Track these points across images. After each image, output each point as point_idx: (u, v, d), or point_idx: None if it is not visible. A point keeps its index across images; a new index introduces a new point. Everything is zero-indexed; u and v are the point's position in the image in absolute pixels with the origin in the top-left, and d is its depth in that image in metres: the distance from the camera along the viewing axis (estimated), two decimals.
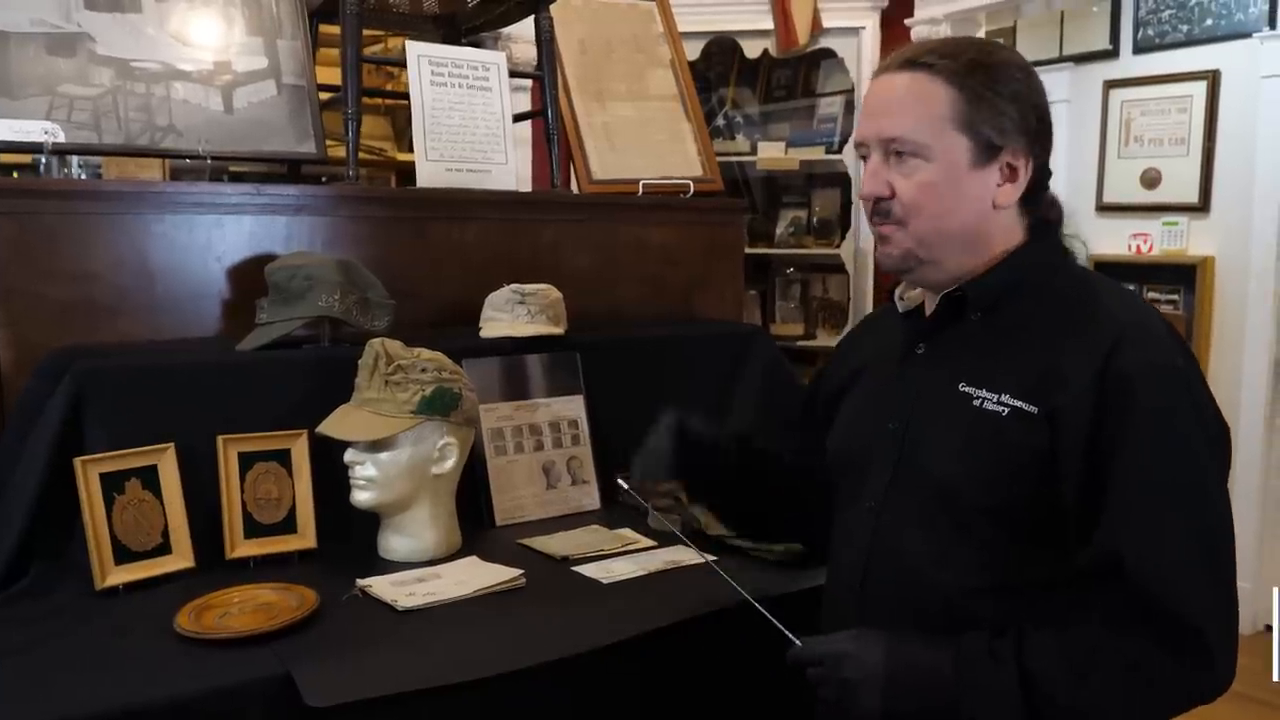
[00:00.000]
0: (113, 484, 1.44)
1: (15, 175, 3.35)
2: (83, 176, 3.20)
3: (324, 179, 3.44)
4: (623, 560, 1.55)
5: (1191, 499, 0.97)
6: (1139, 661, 0.94)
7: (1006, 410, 1.03)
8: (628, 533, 1.69)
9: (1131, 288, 3.64)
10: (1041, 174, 1.10)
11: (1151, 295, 3.64)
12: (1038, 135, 1.08)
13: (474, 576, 1.46)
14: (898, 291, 1.22)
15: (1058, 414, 1.00)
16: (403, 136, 3.79)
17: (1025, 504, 1.02)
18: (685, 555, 1.58)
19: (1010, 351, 1.06)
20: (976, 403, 1.05)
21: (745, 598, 1.17)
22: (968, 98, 1.05)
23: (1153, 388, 0.98)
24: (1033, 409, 1.01)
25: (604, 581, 1.46)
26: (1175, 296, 3.57)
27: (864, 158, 1.12)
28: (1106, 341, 1.00)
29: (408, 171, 3.39)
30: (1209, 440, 1.00)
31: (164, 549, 1.47)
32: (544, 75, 2.25)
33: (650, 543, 1.64)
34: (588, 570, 1.51)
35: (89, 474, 1.42)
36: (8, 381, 1.63)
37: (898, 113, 1.07)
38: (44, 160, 1.75)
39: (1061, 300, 1.07)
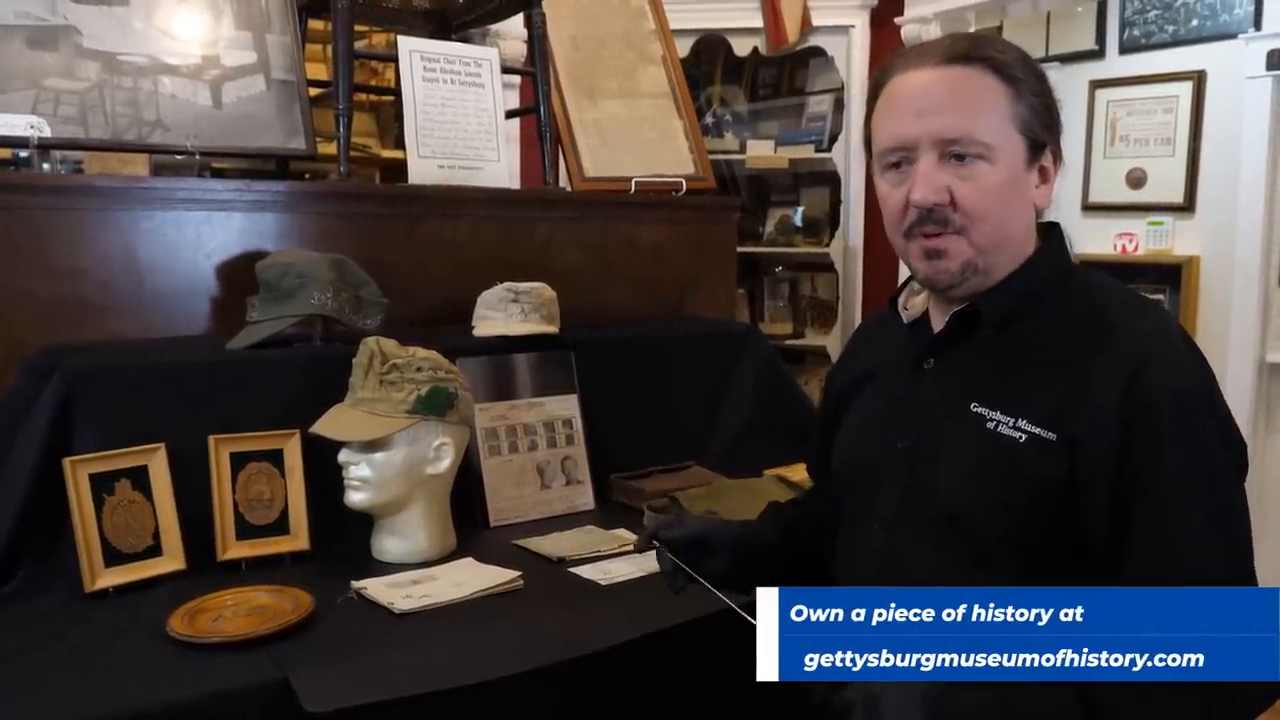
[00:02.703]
0: (102, 485, 1.42)
1: None
2: (61, 171, 3.15)
3: (306, 175, 3.41)
4: (620, 561, 1.54)
5: (1223, 527, 0.94)
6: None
7: (1023, 437, 0.97)
8: (623, 533, 1.68)
9: None
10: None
11: None
12: (1058, 134, 1.05)
13: (471, 578, 1.45)
14: (900, 300, 1.16)
15: (1079, 442, 0.95)
16: (387, 133, 3.76)
17: (1042, 531, 0.97)
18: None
19: (1026, 372, 1.01)
20: (990, 425, 1.00)
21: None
22: (1021, 94, 1.01)
23: (1180, 415, 0.93)
24: (1051, 436, 0.96)
25: (602, 583, 1.46)
26: (1161, 296, 3.59)
27: (895, 164, 1.04)
28: (1129, 364, 0.95)
29: (392, 168, 3.37)
30: (1235, 464, 0.97)
31: (155, 551, 1.45)
32: (536, 72, 2.23)
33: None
34: (585, 572, 1.50)
35: (78, 475, 1.39)
36: None
37: (960, 110, 1.00)
38: (29, 155, 1.72)
39: (1076, 314, 1.02)
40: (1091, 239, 3.84)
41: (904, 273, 1.18)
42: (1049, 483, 0.95)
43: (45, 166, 1.82)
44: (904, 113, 1.03)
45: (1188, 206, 3.51)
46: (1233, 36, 3.35)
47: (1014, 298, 1.04)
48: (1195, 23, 3.48)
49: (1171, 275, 3.54)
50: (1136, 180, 3.68)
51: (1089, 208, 3.83)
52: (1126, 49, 3.70)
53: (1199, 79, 3.46)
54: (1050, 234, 1.09)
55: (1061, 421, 0.96)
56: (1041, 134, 1.02)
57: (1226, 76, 3.38)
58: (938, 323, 1.11)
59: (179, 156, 1.87)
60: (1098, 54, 3.79)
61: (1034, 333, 1.03)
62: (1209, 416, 0.96)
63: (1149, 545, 0.92)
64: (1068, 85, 3.88)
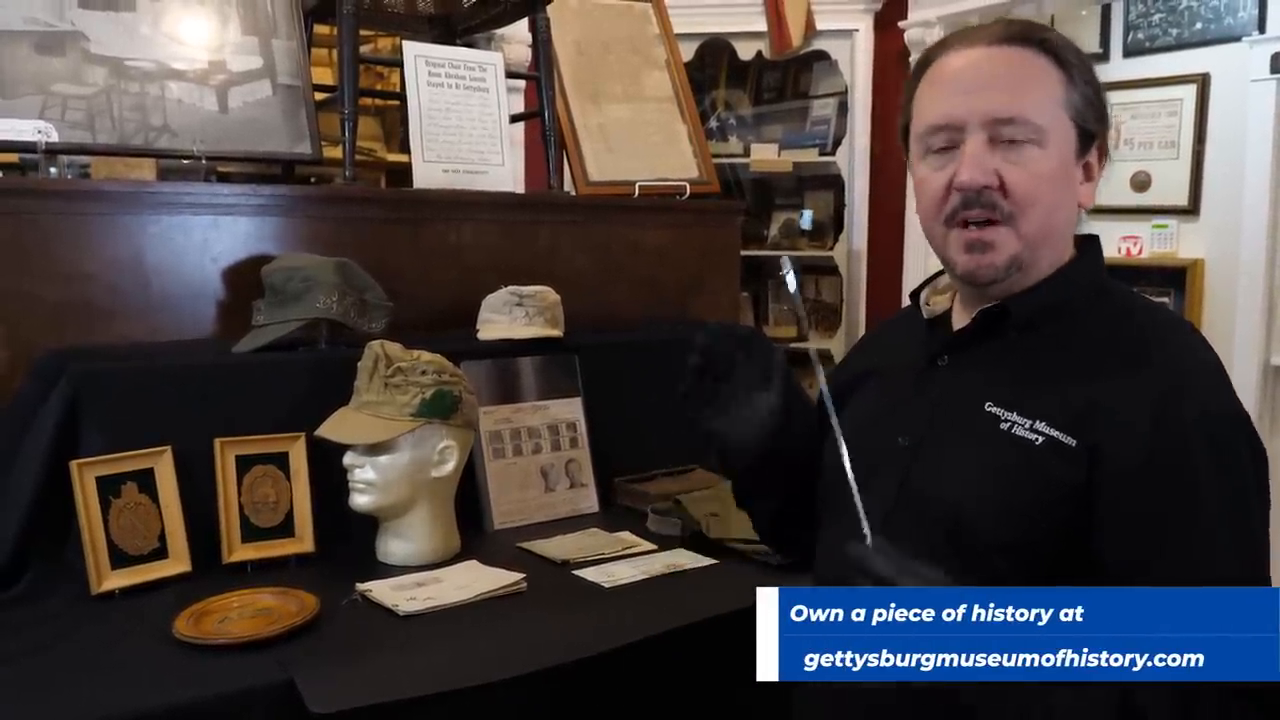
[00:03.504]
0: (109, 487, 1.42)
1: (1, 174, 3.32)
2: (69, 176, 3.17)
3: (312, 179, 3.42)
4: (623, 564, 1.54)
5: (1247, 553, 0.91)
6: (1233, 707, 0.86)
7: (1040, 439, 0.93)
8: (627, 536, 1.69)
9: None
10: None
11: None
12: (1107, 127, 1.00)
13: (475, 581, 1.45)
14: (924, 295, 1.12)
15: (1101, 450, 0.90)
16: (392, 137, 3.77)
17: (1046, 541, 0.92)
18: (686, 559, 1.58)
19: (1049, 376, 0.96)
20: (1005, 426, 0.95)
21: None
22: (1074, 81, 0.96)
23: (1216, 443, 0.89)
24: (1071, 441, 0.91)
25: (605, 586, 1.46)
26: (1165, 299, 3.59)
27: (940, 148, 0.97)
28: (1162, 383, 0.91)
29: (398, 172, 3.38)
30: (1260, 489, 0.93)
31: (160, 553, 1.46)
32: (540, 76, 2.24)
33: (650, 546, 1.64)
34: (588, 574, 1.51)
35: (85, 477, 1.40)
36: (2, 383, 1.61)
37: (1015, 89, 0.94)
38: (39, 159, 1.73)
39: (1108, 326, 0.98)
40: None
41: (909, 278, 1.16)
42: (1063, 489, 0.91)
43: (53, 171, 1.84)
44: (953, 90, 0.97)
45: (1192, 209, 3.51)
46: (1237, 39, 3.35)
47: (1046, 301, 0.99)
48: (1199, 26, 3.48)
49: (1176, 278, 3.53)
50: (1141, 183, 3.68)
51: (1093, 211, 3.79)
52: (1130, 52, 3.70)
53: (1203, 82, 3.46)
54: (1088, 244, 1.04)
55: (1083, 428, 0.91)
56: (1093, 124, 0.98)
57: (1231, 79, 3.38)
58: (960, 321, 1.07)
59: (185, 161, 1.88)
60: (1102, 57, 3.79)
61: (1061, 339, 0.98)
62: (1245, 444, 0.92)
63: (1173, 568, 0.88)
64: None
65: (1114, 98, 3.88)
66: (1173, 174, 3.56)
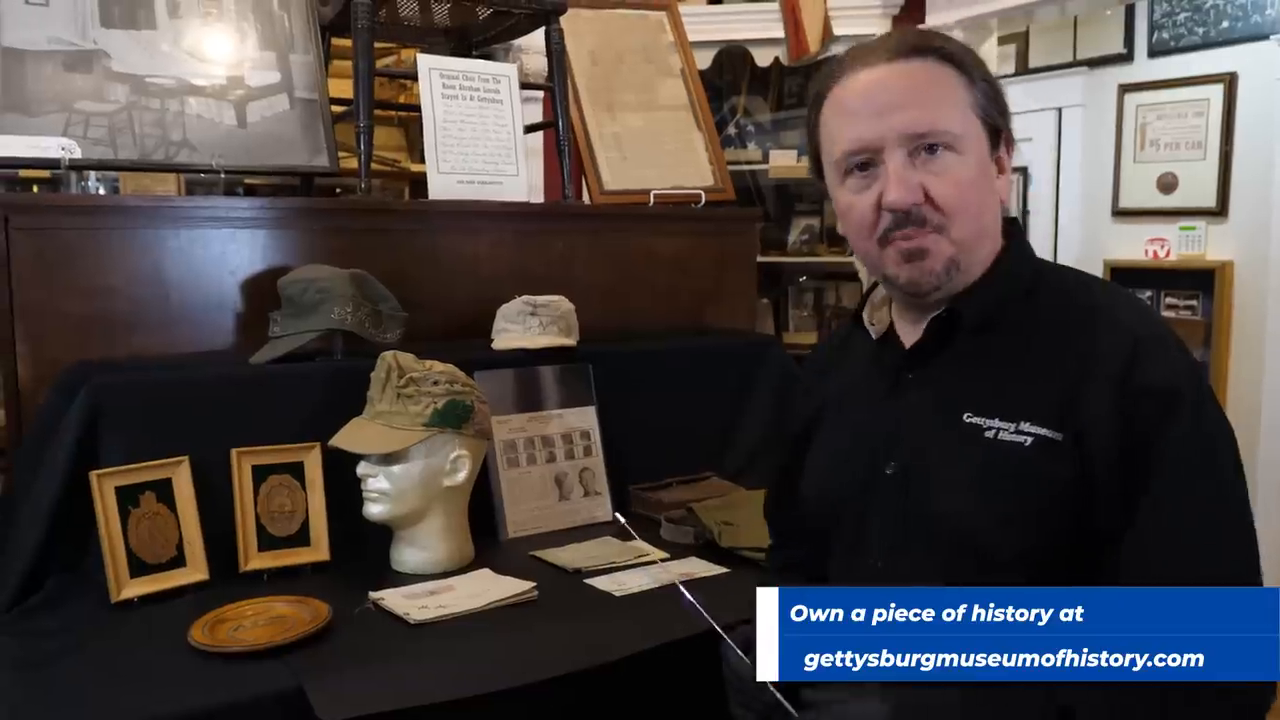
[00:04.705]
0: (128, 497, 1.45)
1: (35, 189, 3.40)
2: (101, 191, 3.25)
3: (338, 190, 3.47)
4: (635, 573, 1.54)
5: (1229, 514, 0.91)
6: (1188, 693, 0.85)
7: (1029, 440, 0.93)
8: (640, 544, 1.69)
9: (1149, 294, 3.63)
10: None
11: (1169, 301, 3.61)
12: (1009, 120, 1.02)
13: (487, 589, 1.46)
14: (865, 314, 1.11)
15: (1083, 435, 0.91)
16: (415, 147, 3.81)
17: (1057, 542, 0.92)
18: (698, 568, 1.57)
19: (1015, 373, 0.96)
20: (989, 434, 0.95)
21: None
22: (976, 83, 0.99)
23: (1181, 400, 0.90)
24: (1058, 435, 0.92)
25: (616, 594, 1.46)
26: (1194, 302, 3.54)
27: (860, 166, 0.98)
28: (1120, 354, 0.91)
29: (422, 182, 3.42)
30: (1228, 435, 0.93)
31: (178, 561, 1.48)
32: (554, 87, 2.26)
33: (663, 555, 1.63)
34: (600, 583, 1.51)
35: (104, 487, 1.43)
36: (27, 396, 1.65)
37: (925, 103, 0.96)
38: (68, 175, 1.77)
39: (1056, 310, 0.99)
40: (1122, 245, 3.79)
41: None
42: (1062, 485, 0.91)
43: (85, 185, 1.87)
44: (863, 112, 0.98)
45: (1220, 211, 3.46)
46: (1264, 38, 3.30)
47: (992, 298, 1.00)
48: (1225, 24, 3.44)
49: (1204, 281, 3.49)
50: (1167, 185, 3.63)
51: (1119, 213, 3.79)
52: (1156, 52, 3.66)
53: (1230, 81, 3.41)
54: (1013, 230, 1.05)
55: (1063, 419, 0.92)
56: (998, 120, 1.00)
57: (1258, 78, 3.34)
58: (907, 333, 1.06)
59: (204, 175, 1.92)
60: (1126, 58, 3.75)
61: (1015, 333, 0.98)
62: (1209, 400, 0.93)
63: (1155, 534, 0.89)
64: (1096, 90, 3.85)
65: (1139, 98, 3.85)
66: (1200, 175, 3.52)
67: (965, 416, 0.97)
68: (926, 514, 0.98)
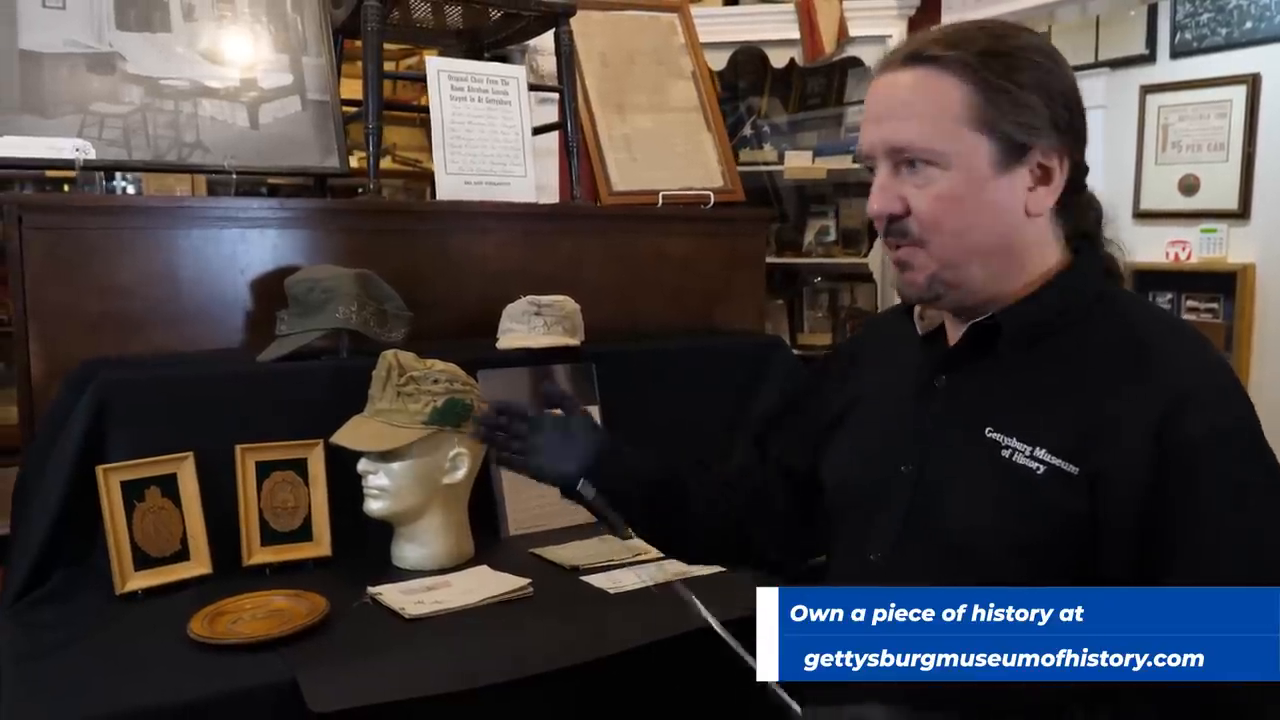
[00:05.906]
0: (133, 492, 1.48)
1: (66, 189, 3.47)
2: (129, 191, 3.31)
3: (360, 190, 3.50)
4: (631, 570, 1.55)
5: (1267, 577, 0.86)
6: None
7: (1042, 468, 0.90)
8: (639, 543, 1.69)
9: (1169, 296, 3.58)
10: (1077, 173, 0.97)
11: (1190, 304, 3.57)
12: (1070, 128, 0.95)
13: (482, 585, 1.48)
14: (916, 310, 1.09)
15: (1103, 477, 0.88)
16: None
17: (1058, 570, 0.90)
18: (696, 566, 1.57)
19: (1048, 396, 0.93)
20: (1006, 453, 0.93)
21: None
22: (984, 92, 0.92)
23: (1224, 457, 0.86)
24: (1073, 469, 0.89)
25: (611, 591, 1.47)
26: (1215, 305, 3.49)
27: (871, 169, 0.99)
28: (1164, 399, 0.87)
29: None
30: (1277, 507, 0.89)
31: (182, 555, 1.51)
32: (563, 88, 2.27)
33: (661, 553, 1.64)
34: (596, 580, 1.52)
35: (110, 482, 1.46)
36: (40, 393, 1.68)
37: (904, 116, 0.94)
38: (95, 176, 1.80)
39: (1109, 337, 0.94)
40: (1143, 247, 3.74)
41: None
42: (1068, 518, 0.89)
43: (112, 185, 1.90)
44: (867, 119, 0.99)
45: (1242, 213, 3.41)
46: None
47: (1038, 313, 0.96)
48: (1249, 25, 3.39)
49: (1226, 284, 3.43)
50: (1189, 187, 3.58)
51: (1140, 215, 3.74)
52: (1178, 53, 3.61)
53: (1253, 82, 3.36)
54: (1082, 247, 1.00)
55: (1084, 453, 0.89)
56: (1022, 134, 0.93)
57: None
58: (954, 335, 1.04)
59: (216, 175, 1.95)
60: (1148, 59, 3.70)
61: (1060, 354, 0.95)
62: (1257, 459, 0.89)
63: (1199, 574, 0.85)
64: (1118, 91, 3.80)
65: (1160, 100, 3.81)
66: (1222, 177, 3.46)
67: (987, 430, 0.95)
68: (932, 517, 0.98)
